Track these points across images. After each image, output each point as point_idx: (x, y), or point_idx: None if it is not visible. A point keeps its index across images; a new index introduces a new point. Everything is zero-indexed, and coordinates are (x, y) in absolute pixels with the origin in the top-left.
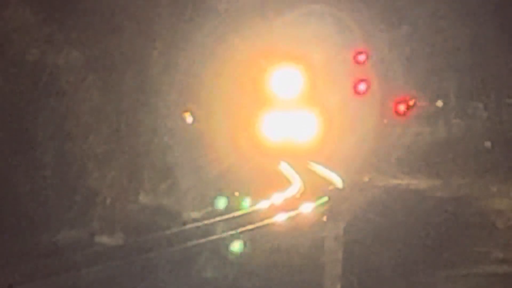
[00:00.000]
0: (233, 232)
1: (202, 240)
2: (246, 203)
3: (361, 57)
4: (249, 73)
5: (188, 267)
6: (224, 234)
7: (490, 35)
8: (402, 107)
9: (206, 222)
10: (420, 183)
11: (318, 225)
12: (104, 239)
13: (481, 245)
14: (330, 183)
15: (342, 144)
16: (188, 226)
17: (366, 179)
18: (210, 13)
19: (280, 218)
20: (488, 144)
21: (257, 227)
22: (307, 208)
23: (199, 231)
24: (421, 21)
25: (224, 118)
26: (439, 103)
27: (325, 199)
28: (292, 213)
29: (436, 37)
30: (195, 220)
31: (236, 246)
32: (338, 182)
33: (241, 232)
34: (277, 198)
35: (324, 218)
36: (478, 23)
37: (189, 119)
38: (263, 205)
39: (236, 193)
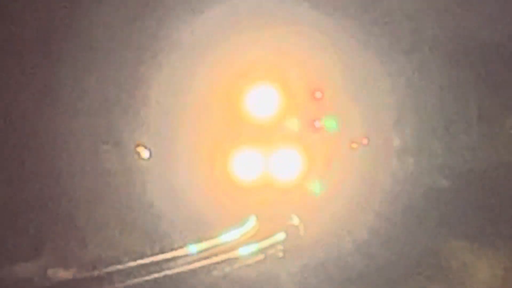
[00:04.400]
0: (186, 268)
1: (156, 275)
2: (199, 241)
3: (318, 94)
4: (218, 97)
5: None
6: (176, 270)
7: (451, 73)
8: (355, 145)
9: (158, 257)
10: (371, 221)
11: (274, 261)
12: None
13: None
14: (287, 220)
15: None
16: (143, 261)
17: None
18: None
19: (235, 254)
20: (444, 182)
21: (211, 264)
22: (262, 245)
23: (152, 266)
24: (378, 57)
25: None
26: (395, 142)
27: (282, 236)
28: (246, 249)
29: (396, 74)
30: (150, 255)
31: (188, 284)
32: (295, 219)
33: (193, 270)
34: (232, 234)
35: (280, 255)
36: (441, 61)
37: (145, 153)
38: (217, 241)
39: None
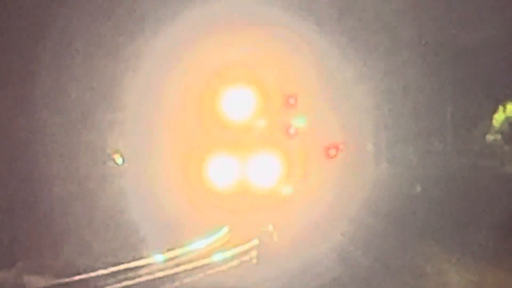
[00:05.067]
0: (159, 275)
1: (128, 282)
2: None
3: (291, 100)
4: (193, 100)
5: None
6: (150, 277)
7: (421, 81)
8: (332, 151)
9: (131, 265)
10: (346, 226)
11: (248, 268)
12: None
13: None
14: (262, 226)
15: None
16: (116, 267)
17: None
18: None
19: (209, 260)
20: (418, 187)
21: (185, 270)
22: (237, 251)
23: (125, 273)
24: (353, 64)
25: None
26: (369, 147)
27: (256, 242)
28: (221, 255)
29: (371, 80)
30: (123, 262)
31: None
32: (269, 225)
33: (167, 276)
34: (207, 241)
35: (254, 261)
36: (416, 68)
37: (119, 160)
38: (191, 248)
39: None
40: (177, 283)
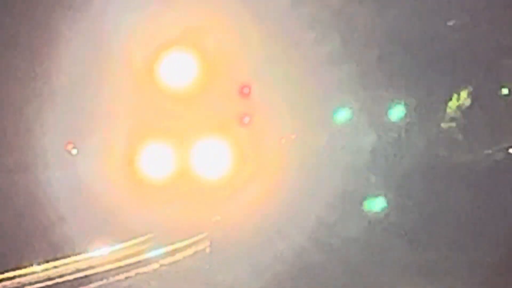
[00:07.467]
0: (105, 268)
1: (81, 274)
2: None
3: (246, 90)
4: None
5: None
6: (97, 270)
7: (382, 69)
8: (284, 141)
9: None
10: (298, 216)
11: (201, 257)
12: None
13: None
14: (212, 216)
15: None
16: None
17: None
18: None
19: (159, 252)
20: (373, 178)
21: (134, 263)
22: (191, 240)
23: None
24: (307, 46)
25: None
26: (324, 138)
27: (207, 232)
28: (175, 245)
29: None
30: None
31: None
32: (218, 216)
33: (117, 269)
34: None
35: (207, 250)
36: (373, 56)
37: (73, 151)
38: (138, 241)
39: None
40: (130, 273)
